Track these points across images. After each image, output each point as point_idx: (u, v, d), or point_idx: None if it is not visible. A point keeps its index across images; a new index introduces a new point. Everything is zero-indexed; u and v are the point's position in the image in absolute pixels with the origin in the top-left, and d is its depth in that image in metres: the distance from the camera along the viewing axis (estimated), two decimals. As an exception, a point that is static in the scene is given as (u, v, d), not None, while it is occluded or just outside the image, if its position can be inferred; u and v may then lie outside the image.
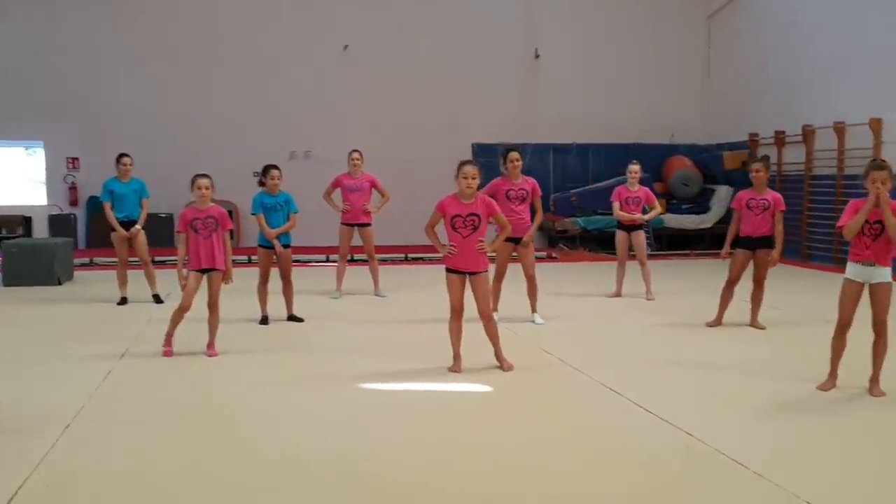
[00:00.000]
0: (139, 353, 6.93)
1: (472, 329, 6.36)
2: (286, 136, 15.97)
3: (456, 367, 6.29)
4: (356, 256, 10.52)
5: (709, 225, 16.01)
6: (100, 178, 15.38)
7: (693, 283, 11.61)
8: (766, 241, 7.90)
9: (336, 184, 10.14)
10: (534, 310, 8.32)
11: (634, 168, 9.96)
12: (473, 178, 6.02)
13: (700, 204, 16.58)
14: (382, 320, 8.62)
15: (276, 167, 8.26)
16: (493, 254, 6.96)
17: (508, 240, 7.47)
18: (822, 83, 14.07)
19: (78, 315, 8.88)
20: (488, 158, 17.11)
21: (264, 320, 8.25)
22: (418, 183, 15.66)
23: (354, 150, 10.20)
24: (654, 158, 16.99)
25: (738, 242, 8.02)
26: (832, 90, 13.84)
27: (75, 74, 15.29)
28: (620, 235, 9.99)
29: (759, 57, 15.97)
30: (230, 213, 15.48)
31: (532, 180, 8.10)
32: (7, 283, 10.78)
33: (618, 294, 10.02)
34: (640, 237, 9.94)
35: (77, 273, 11.97)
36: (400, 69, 16.42)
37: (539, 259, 14.70)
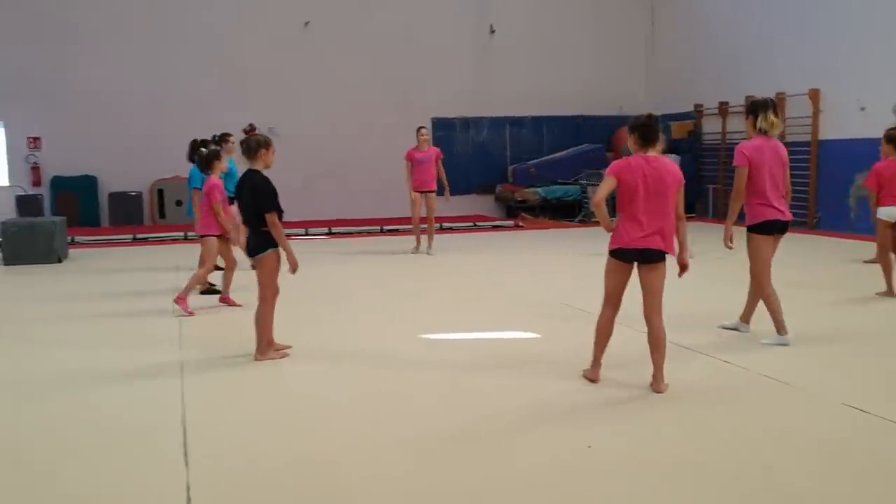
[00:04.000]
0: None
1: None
2: (248, 113, 16.05)
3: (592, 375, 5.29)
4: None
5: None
6: (62, 158, 15.49)
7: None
8: None
9: (410, 157, 11.29)
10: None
11: None
12: None
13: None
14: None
15: None
16: None
17: None
18: (764, 56, 14.93)
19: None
20: (446, 132, 17.75)
21: None
22: (378, 159, 16.10)
23: (422, 127, 11.36)
24: (605, 130, 17.80)
25: None
26: (773, 62, 14.71)
27: (33, 54, 15.13)
28: None
29: (703, 31, 16.76)
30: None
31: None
32: (7, 262, 10.83)
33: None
34: None
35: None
36: (358, 45, 16.69)
37: (505, 228, 15.40)
